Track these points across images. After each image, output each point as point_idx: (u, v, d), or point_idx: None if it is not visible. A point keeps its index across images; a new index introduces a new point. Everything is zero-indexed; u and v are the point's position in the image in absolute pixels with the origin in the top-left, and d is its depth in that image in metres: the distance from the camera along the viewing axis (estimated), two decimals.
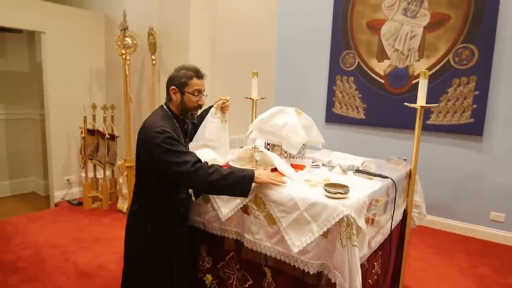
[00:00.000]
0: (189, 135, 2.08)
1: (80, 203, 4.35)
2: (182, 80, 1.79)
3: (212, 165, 1.68)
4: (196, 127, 2.15)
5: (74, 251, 3.16)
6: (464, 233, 3.79)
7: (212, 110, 2.12)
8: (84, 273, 2.82)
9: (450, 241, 3.66)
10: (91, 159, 4.35)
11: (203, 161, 1.68)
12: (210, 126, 2.09)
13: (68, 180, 4.52)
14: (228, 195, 1.75)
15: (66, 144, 4.47)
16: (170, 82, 1.81)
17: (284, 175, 1.89)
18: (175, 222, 1.88)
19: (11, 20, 3.88)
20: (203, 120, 2.16)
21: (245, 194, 1.67)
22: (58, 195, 4.43)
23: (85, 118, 4.20)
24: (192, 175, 1.61)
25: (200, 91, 1.82)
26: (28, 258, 3.01)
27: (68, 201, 4.43)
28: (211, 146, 2.11)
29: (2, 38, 4.65)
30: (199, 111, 2.00)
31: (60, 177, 4.45)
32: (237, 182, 1.64)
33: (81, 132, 4.29)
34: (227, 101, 2.14)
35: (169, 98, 1.84)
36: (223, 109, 2.14)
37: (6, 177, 4.87)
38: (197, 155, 1.74)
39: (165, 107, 1.86)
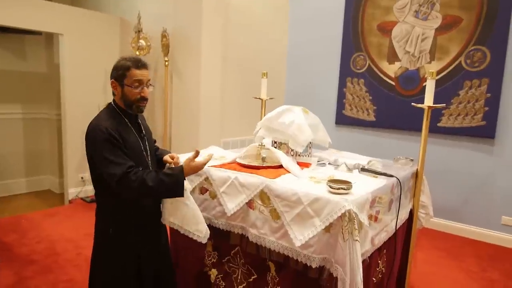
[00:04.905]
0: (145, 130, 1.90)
1: (93, 200, 4.45)
2: (120, 72, 1.68)
3: (138, 177, 1.57)
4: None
5: (86, 245, 3.24)
6: (474, 237, 3.74)
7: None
8: None
9: (460, 245, 3.61)
10: None
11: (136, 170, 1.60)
12: None
13: (82, 177, 4.63)
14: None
15: (80, 143, 4.50)
16: (110, 75, 1.70)
17: (289, 172, 1.92)
18: (140, 222, 1.75)
19: (31, 23, 4.03)
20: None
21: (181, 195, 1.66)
22: (72, 192, 4.55)
23: None
24: (120, 191, 1.60)
25: (141, 82, 1.69)
26: (43, 251, 3.11)
27: (81, 198, 4.55)
28: None
29: (21, 40, 4.81)
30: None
31: (75, 174, 4.57)
32: (170, 189, 1.64)
33: None
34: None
35: (113, 93, 1.74)
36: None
37: (23, 174, 5.02)
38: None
39: (112, 103, 1.76)
